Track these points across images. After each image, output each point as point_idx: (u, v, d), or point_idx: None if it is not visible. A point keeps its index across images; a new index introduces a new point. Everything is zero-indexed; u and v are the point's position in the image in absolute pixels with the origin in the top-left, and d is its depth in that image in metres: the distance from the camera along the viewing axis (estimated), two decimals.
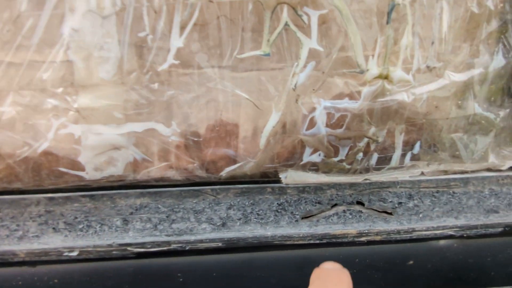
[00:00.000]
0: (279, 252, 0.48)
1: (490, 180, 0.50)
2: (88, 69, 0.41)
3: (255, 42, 0.42)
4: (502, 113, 0.49)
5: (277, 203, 0.48)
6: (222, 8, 0.40)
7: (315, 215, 0.47)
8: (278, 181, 0.48)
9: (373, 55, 0.44)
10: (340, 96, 0.45)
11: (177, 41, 0.40)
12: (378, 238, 0.47)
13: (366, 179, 0.48)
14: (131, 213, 0.46)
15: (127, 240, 0.45)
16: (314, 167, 0.48)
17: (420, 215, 0.48)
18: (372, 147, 0.48)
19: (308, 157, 0.47)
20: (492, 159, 0.50)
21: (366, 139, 0.47)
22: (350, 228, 0.46)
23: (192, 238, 0.45)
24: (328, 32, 0.42)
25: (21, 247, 0.43)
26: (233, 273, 0.48)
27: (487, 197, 0.49)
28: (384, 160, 0.49)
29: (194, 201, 0.47)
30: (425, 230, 0.47)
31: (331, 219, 0.47)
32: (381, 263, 0.49)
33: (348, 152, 0.48)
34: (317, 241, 0.46)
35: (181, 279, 0.48)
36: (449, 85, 0.46)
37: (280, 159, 0.47)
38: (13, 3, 0.38)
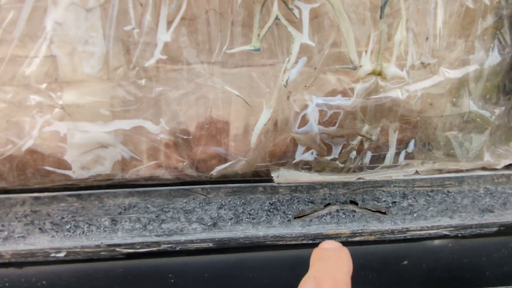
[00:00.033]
0: (272, 253, 0.47)
1: (485, 179, 0.49)
2: (72, 65, 0.38)
3: (245, 37, 0.40)
4: (497, 111, 0.48)
5: (269, 203, 0.46)
6: (211, 2, 0.39)
7: (307, 214, 0.46)
8: (270, 180, 0.46)
9: (366, 51, 0.42)
10: (332, 93, 0.43)
11: (164, 36, 0.38)
12: (371, 238, 0.46)
13: (359, 178, 0.47)
14: (120, 213, 0.45)
15: (116, 240, 0.44)
16: (306, 166, 0.47)
17: (414, 215, 0.47)
18: (366, 145, 0.46)
19: (301, 155, 0.46)
20: (487, 158, 0.48)
21: (359, 137, 0.45)
22: (344, 228, 0.45)
23: (183, 238, 0.44)
24: (320, 27, 0.41)
25: (7, 248, 0.42)
26: (225, 273, 0.47)
27: (482, 196, 0.48)
28: (377, 159, 0.48)
29: (184, 201, 0.45)
30: (420, 230, 0.46)
31: (324, 219, 0.46)
32: (375, 264, 0.48)
33: (341, 150, 0.46)
34: (310, 241, 0.45)
35: (172, 280, 0.47)
36: (444, 82, 0.45)
37: (272, 157, 0.45)
38: None
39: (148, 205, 0.45)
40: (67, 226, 0.44)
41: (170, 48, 0.40)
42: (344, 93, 0.44)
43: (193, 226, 0.45)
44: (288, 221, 0.46)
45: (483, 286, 0.51)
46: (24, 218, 0.44)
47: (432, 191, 0.48)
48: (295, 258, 0.47)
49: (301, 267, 0.48)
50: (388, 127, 0.46)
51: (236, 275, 0.47)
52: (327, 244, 0.35)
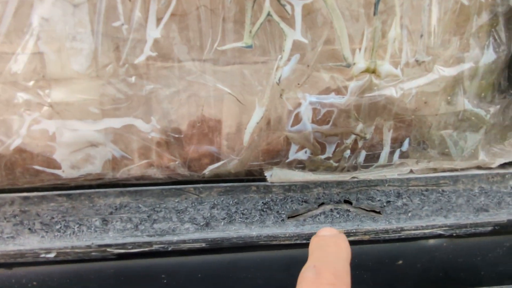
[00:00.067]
0: (265, 253, 0.46)
1: (480, 178, 0.48)
2: (60, 61, 0.37)
3: (237, 34, 0.38)
4: (492, 109, 0.47)
5: (263, 202, 0.45)
6: None
7: (301, 214, 0.45)
8: (263, 179, 0.45)
9: (360, 48, 0.41)
10: (326, 91, 0.42)
11: (154, 32, 0.37)
12: (366, 237, 0.45)
13: (353, 177, 0.46)
14: (111, 213, 0.44)
15: (107, 241, 0.43)
16: (300, 165, 0.46)
17: (409, 214, 0.46)
18: (360, 144, 0.45)
19: (294, 154, 0.44)
20: (482, 157, 0.48)
21: (353, 136, 0.44)
22: (338, 228, 0.44)
23: (175, 238, 0.43)
24: (313, 24, 0.39)
25: None
26: (218, 274, 0.46)
27: (476, 196, 0.48)
28: (372, 158, 0.47)
29: (176, 200, 0.44)
30: (414, 229, 0.46)
31: (318, 219, 0.45)
32: (369, 263, 0.48)
33: (335, 149, 0.45)
34: (304, 241, 0.45)
35: (165, 281, 0.46)
36: (439, 80, 0.44)
37: (265, 156, 0.44)
38: None
39: (140, 205, 0.44)
40: (57, 226, 0.43)
41: (161, 45, 0.38)
42: (338, 91, 0.42)
43: (186, 226, 0.44)
44: (281, 220, 0.45)
45: (478, 286, 0.50)
46: (13, 218, 0.42)
47: (426, 190, 0.47)
48: (289, 258, 0.47)
49: (295, 267, 0.47)
50: (382, 126, 0.45)
51: (230, 275, 0.47)
52: (324, 231, 0.34)
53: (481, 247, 0.49)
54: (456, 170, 0.48)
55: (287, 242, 0.44)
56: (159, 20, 0.37)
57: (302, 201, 0.45)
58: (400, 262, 0.48)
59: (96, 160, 0.42)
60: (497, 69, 0.46)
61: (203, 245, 0.43)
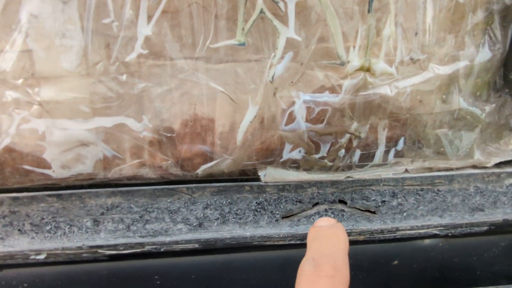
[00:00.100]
0: (259, 253, 0.46)
1: (475, 178, 0.47)
2: (50, 59, 0.36)
3: (229, 31, 0.38)
4: (487, 108, 0.47)
5: (256, 202, 0.45)
6: None
7: (296, 214, 0.45)
8: (257, 179, 0.45)
9: (354, 46, 0.40)
10: (320, 90, 0.41)
11: (145, 29, 0.36)
12: (361, 238, 0.45)
13: (348, 177, 0.45)
14: (102, 214, 0.43)
15: (98, 242, 0.42)
16: (294, 165, 0.45)
17: (404, 214, 0.46)
18: (355, 143, 0.45)
19: (288, 154, 0.44)
20: (478, 156, 0.47)
21: (348, 135, 0.44)
22: None
23: (167, 239, 0.43)
24: (306, 21, 0.39)
25: None
26: (212, 274, 0.46)
27: (472, 195, 0.47)
28: (367, 157, 0.46)
29: (168, 201, 0.44)
30: (409, 229, 0.46)
31: (313, 219, 0.45)
32: (365, 264, 0.48)
33: (329, 148, 0.44)
34: (298, 242, 0.44)
35: (158, 282, 0.46)
36: (434, 78, 0.43)
37: (259, 156, 0.43)
38: None
39: (132, 205, 0.43)
40: (48, 227, 0.42)
41: (152, 43, 0.37)
42: (332, 90, 0.42)
43: (178, 226, 0.43)
44: (275, 221, 0.44)
45: (474, 286, 0.50)
46: (2, 219, 0.41)
47: (422, 189, 0.47)
48: (283, 259, 0.46)
49: (290, 268, 0.47)
50: (377, 125, 0.45)
51: (224, 276, 0.46)
52: (322, 222, 0.34)
53: (477, 247, 0.49)
54: (452, 169, 0.47)
55: (281, 242, 0.44)
56: (150, 17, 0.36)
57: (296, 201, 0.45)
58: (396, 262, 0.48)
59: (87, 159, 0.41)
60: (492, 68, 0.46)
61: (196, 246, 0.43)
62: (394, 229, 0.45)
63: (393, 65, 0.42)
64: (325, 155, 0.45)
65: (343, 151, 0.45)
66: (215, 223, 0.44)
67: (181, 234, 0.43)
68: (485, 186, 0.47)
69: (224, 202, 0.44)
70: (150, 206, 0.43)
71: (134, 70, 0.38)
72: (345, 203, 0.45)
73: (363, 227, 0.45)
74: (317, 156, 0.45)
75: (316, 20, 0.39)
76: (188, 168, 0.43)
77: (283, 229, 0.44)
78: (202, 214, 0.43)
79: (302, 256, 0.44)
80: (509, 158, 0.48)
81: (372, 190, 0.46)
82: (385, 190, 0.46)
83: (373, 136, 0.45)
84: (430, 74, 0.43)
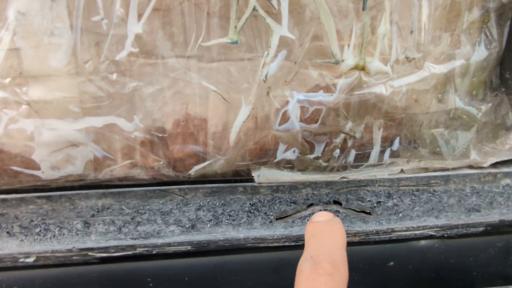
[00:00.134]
0: (253, 255, 0.45)
1: (471, 178, 0.47)
2: (38, 58, 0.35)
3: (222, 29, 0.37)
4: (484, 107, 0.46)
5: (250, 203, 0.44)
6: None
7: (290, 215, 0.44)
8: (251, 180, 0.44)
9: (348, 45, 0.39)
10: (314, 89, 0.41)
11: (135, 27, 0.35)
12: (356, 239, 0.45)
13: (343, 177, 0.45)
14: (93, 215, 0.42)
15: (89, 244, 0.42)
16: (288, 165, 0.44)
17: (400, 215, 0.46)
18: (350, 143, 0.44)
19: (282, 154, 0.43)
20: (474, 156, 0.47)
21: (342, 135, 0.43)
22: None
23: (160, 241, 0.42)
24: (300, 19, 0.38)
25: None
26: (206, 276, 0.45)
27: (468, 196, 0.47)
28: (362, 157, 0.46)
29: (160, 202, 0.43)
30: (405, 231, 0.45)
31: (307, 220, 0.44)
32: (360, 265, 0.47)
33: (324, 148, 0.44)
34: (293, 243, 0.44)
35: (151, 284, 0.45)
36: (429, 77, 0.43)
37: (253, 156, 0.43)
38: None
39: (123, 207, 0.42)
40: (37, 230, 0.41)
41: (143, 41, 0.37)
42: (327, 89, 0.41)
43: (171, 228, 0.43)
44: (269, 222, 0.44)
45: (470, 287, 0.50)
46: None
47: (417, 190, 0.46)
48: (277, 261, 0.46)
49: (284, 270, 0.47)
50: (372, 124, 0.44)
51: (217, 278, 0.46)
52: (319, 217, 0.34)
53: (473, 247, 0.48)
54: (448, 169, 0.47)
55: (275, 244, 0.43)
56: (140, 14, 0.35)
57: (291, 202, 0.44)
58: (392, 263, 0.47)
59: (77, 160, 0.40)
60: (488, 66, 0.45)
61: (189, 248, 0.42)
62: (389, 230, 0.45)
63: (388, 64, 0.41)
64: (319, 155, 0.44)
65: (338, 151, 0.44)
66: (208, 225, 0.43)
67: (174, 236, 0.42)
68: (482, 186, 0.47)
69: (217, 203, 0.43)
70: (141, 207, 0.42)
71: (125, 69, 0.37)
72: (340, 204, 0.45)
73: (358, 228, 0.44)
74: (311, 156, 0.44)
75: (310, 18, 0.38)
76: (181, 168, 0.42)
77: (277, 231, 0.43)
78: (194, 216, 0.43)
79: (297, 257, 0.44)
80: (505, 158, 0.47)
81: (367, 190, 0.45)
82: (381, 191, 0.45)
83: (368, 136, 0.45)
84: (426, 73, 0.42)
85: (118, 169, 0.41)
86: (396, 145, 0.46)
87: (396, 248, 0.47)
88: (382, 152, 0.46)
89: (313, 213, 0.44)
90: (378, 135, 0.45)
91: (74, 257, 0.41)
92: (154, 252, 0.42)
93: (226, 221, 0.43)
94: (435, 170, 0.46)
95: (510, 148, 0.48)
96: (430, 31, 0.41)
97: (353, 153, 0.45)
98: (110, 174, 0.41)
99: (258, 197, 0.44)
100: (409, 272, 0.48)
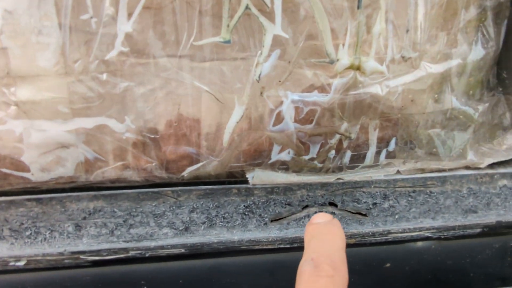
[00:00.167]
0: (248, 258, 0.45)
1: (468, 179, 0.46)
2: (26, 57, 0.34)
3: (214, 28, 0.36)
4: (481, 107, 0.46)
5: (244, 205, 0.43)
6: None
7: (285, 217, 0.44)
8: (245, 181, 0.43)
9: (343, 44, 0.39)
10: (309, 89, 0.40)
11: (125, 26, 0.34)
12: (352, 241, 0.44)
13: (338, 179, 0.44)
14: (84, 218, 0.41)
15: (81, 247, 0.41)
16: (283, 166, 0.44)
17: (396, 216, 0.45)
18: (345, 144, 0.43)
19: (277, 155, 0.42)
20: (471, 157, 0.46)
21: (338, 136, 0.42)
22: None
23: (153, 244, 0.41)
24: (294, 18, 0.37)
25: None
26: (200, 279, 0.45)
27: (465, 197, 0.46)
28: (357, 158, 0.45)
29: (153, 204, 0.42)
30: (401, 232, 0.45)
31: (302, 222, 0.44)
32: (356, 267, 0.47)
33: (319, 149, 0.43)
34: (288, 245, 0.43)
35: (145, 287, 0.44)
36: (426, 77, 0.42)
37: (247, 157, 0.42)
38: None
39: (115, 209, 0.41)
40: (27, 233, 0.40)
41: (134, 40, 0.36)
42: (321, 89, 0.40)
43: (164, 231, 0.42)
44: (264, 224, 0.43)
45: None
46: None
47: (414, 191, 0.45)
48: (272, 263, 0.45)
49: (279, 272, 0.46)
50: (368, 125, 0.43)
51: (212, 280, 0.45)
52: (318, 218, 0.34)
53: (470, 249, 0.48)
54: (444, 170, 0.46)
55: (270, 246, 0.43)
56: (130, 13, 0.34)
57: (286, 204, 0.43)
58: (388, 265, 0.47)
59: (68, 162, 0.39)
60: (485, 66, 0.44)
61: (183, 250, 0.41)
62: (385, 232, 0.44)
63: (383, 63, 0.41)
64: (314, 156, 0.43)
65: (333, 152, 0.43)
66: (202, 227, 0.42)
67: (167, 239, 0.41)
68: (478, 187, 0.46)
69: (211, 205, 0.42)
70: (134, 210, 0.41)
71: (115, 68, 0.36)
72: (335, 205, 0.44)
73: (354, 230, 0.43)
74: (306, 157, 0.43)
75: (304, 17, 0.37)
76: (173, 170, 0.41)
77: (272, 233, 0.43)
78: (188, 218, 0.42)
79: (292, 259, 0.43)
80: (502, 159, 0.47)
81: (363, 192, 0.44)
82: (377, 192, 0.45)
83: (364, 137, 0.44)
84: (422, 72, 0.42)
85: (110, 171, 0.40)
86: (392, 145, 0.45)
87: (392, 249, 0.46)
88: (378, 153, 0.45)
89: (308, 215, 0.43)
90: (374, 136, 0.44)
91: (66, 261, 0.40)
92: (147, 255, 0.41)
93: (220, 223, 0.42)
94: (431, 171, 0.46)
95: (507, 148, 0.47)
96: (426, 30, 0.40)
97: (348, 154, 0.44)
98: (102, 176, 0.40)
99: (252, 199, 0.43)
100: (405, 274, 0.47)
